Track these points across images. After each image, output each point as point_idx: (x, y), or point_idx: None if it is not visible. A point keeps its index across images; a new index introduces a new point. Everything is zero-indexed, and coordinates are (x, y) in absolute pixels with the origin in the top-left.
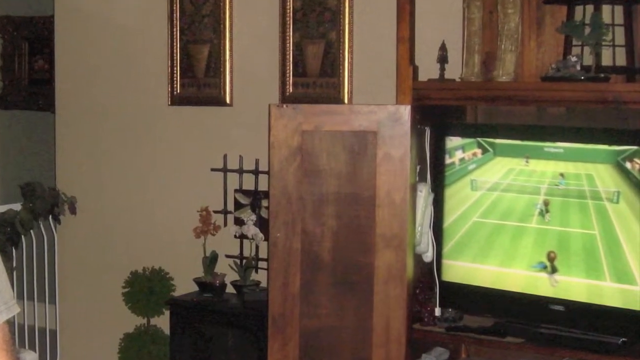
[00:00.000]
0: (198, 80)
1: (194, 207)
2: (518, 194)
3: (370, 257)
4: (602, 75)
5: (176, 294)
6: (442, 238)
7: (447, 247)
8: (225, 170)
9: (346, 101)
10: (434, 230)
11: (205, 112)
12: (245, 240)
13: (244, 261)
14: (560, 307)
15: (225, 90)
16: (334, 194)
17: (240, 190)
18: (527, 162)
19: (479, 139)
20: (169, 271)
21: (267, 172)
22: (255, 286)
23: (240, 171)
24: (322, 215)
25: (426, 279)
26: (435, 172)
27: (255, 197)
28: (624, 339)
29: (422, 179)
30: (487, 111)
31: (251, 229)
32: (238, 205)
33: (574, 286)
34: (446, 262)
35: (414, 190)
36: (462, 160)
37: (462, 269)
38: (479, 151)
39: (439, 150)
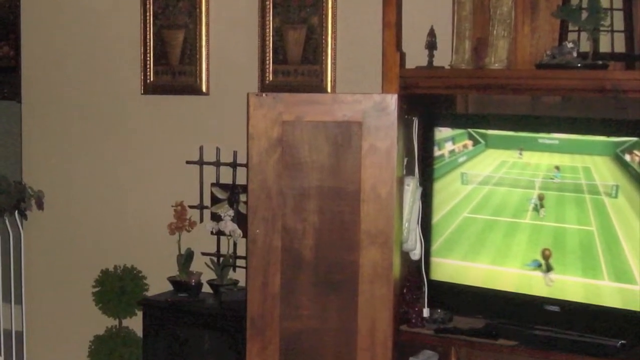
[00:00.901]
0: (172, 67)
1: (168, 201)
2: (511, 188)
3: (355, 255)
4: (600, 62)
5: (149, 293)
6: (431, 235)
7: (436, 244)
8: (201, 162)
9: (329, 90)
10: (422, 226)
11: (180, 101)
12: (222, 237)
13: (221, 259)
14: (555, 308)
15: (201, 78)
16: (316, 189)
17: (217, 184)
18: (520, 154)
19: (469, 129)
20: (141, 269)
21: (246, 165)
22: (233, 286)
23: (217, 164)
24: (303, 210)
25: (414, 278)
26: (424, 165)
27: (233, 192)
28: (622, 342)
29: (410, 172)
30: (478, 101)
31: (229, 225)
32: (215, 200)
33: (570, 285)
34: (435, 260)
35: (401, 184)
36: (451, 152)
37: (451, 268)
38: (469, 143)
39: (427, 142)
